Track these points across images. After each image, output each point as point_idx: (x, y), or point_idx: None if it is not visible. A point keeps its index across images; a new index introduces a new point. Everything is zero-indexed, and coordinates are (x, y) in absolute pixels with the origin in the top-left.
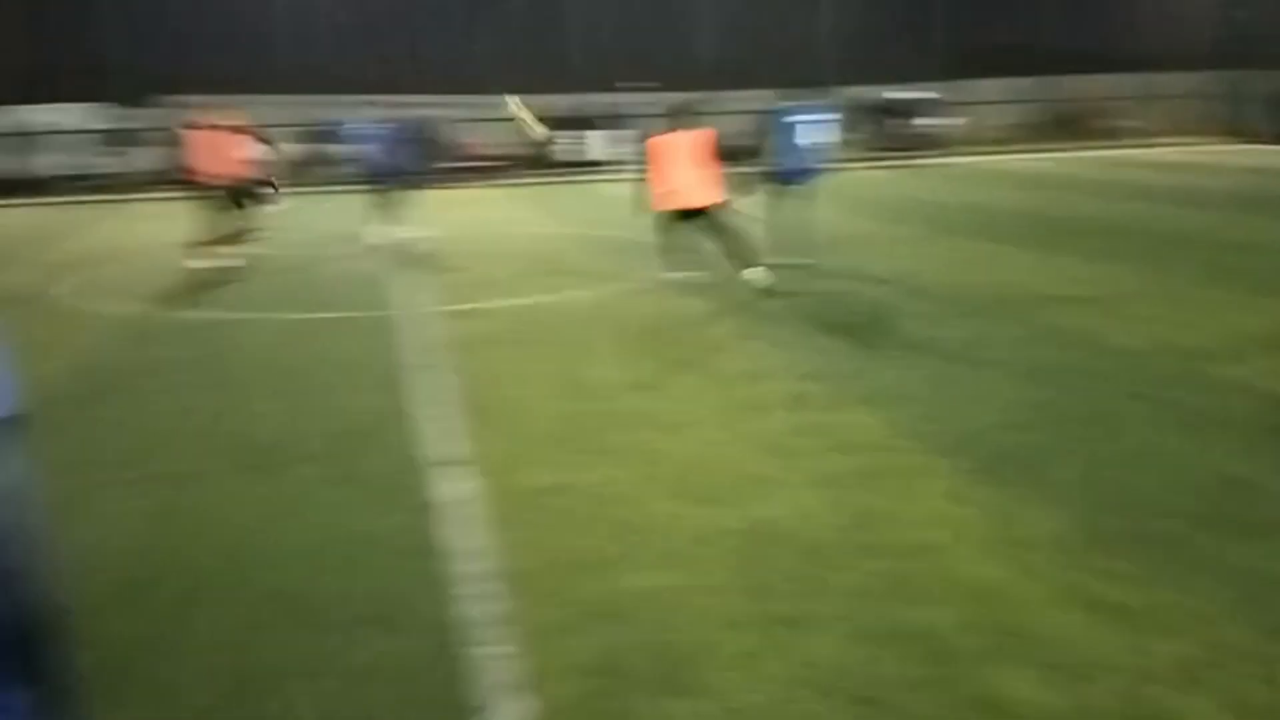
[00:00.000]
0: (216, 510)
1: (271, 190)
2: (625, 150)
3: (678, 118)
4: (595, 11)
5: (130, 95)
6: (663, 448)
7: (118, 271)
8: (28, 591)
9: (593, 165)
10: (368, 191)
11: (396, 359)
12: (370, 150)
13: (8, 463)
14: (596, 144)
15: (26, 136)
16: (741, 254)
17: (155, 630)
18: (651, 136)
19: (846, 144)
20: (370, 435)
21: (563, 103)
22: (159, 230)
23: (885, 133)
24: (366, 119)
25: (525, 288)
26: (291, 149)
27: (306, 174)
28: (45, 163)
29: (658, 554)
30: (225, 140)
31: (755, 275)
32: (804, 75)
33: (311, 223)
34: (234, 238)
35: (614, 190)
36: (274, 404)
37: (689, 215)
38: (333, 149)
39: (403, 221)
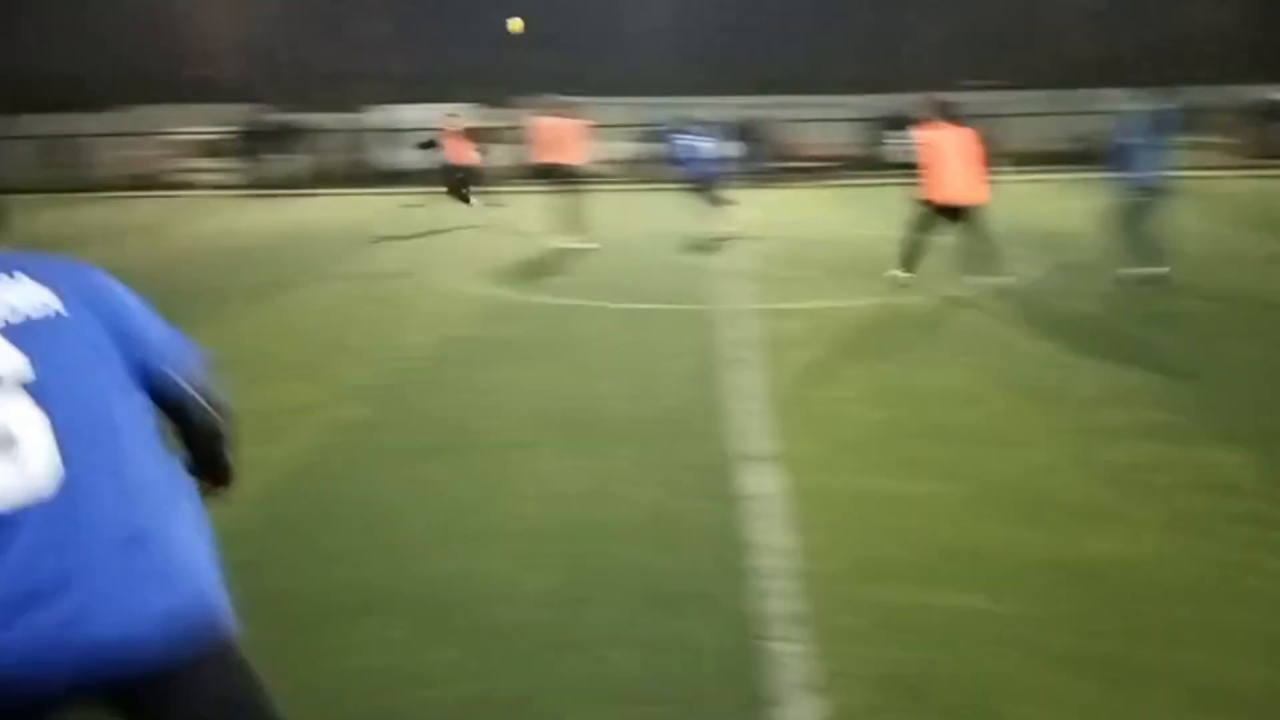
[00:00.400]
0: (543, 479)
1: (591, 180)
2: None
3: (942, 113)
4: (944, 6)
5: (488, 95)
6: (987, 466)
7: (476, 254)
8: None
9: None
10: (693, 190)
11: (714, 353)
12: (693, 151)
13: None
14: None
15: (398, 133)
16: (986, 259)
17: (484, 583)
18: (922, 130)
19: (1221, 149)
20: (685, 424)
21: (897, 102)
22: (515, 218)
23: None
24: (692, 120)
25: (845, 289)
26: (628, 148)
27: (642, 172)
28: (414, 157)
29: (973, 575)
30: (567, 133)
31: (987, 282)
32: (1181, 73)
33: (644, 218)
34: (576, 226)
35: None
36: (600, 386)
37: (951, 213)
38: (663, 148)
39: (727, 220)
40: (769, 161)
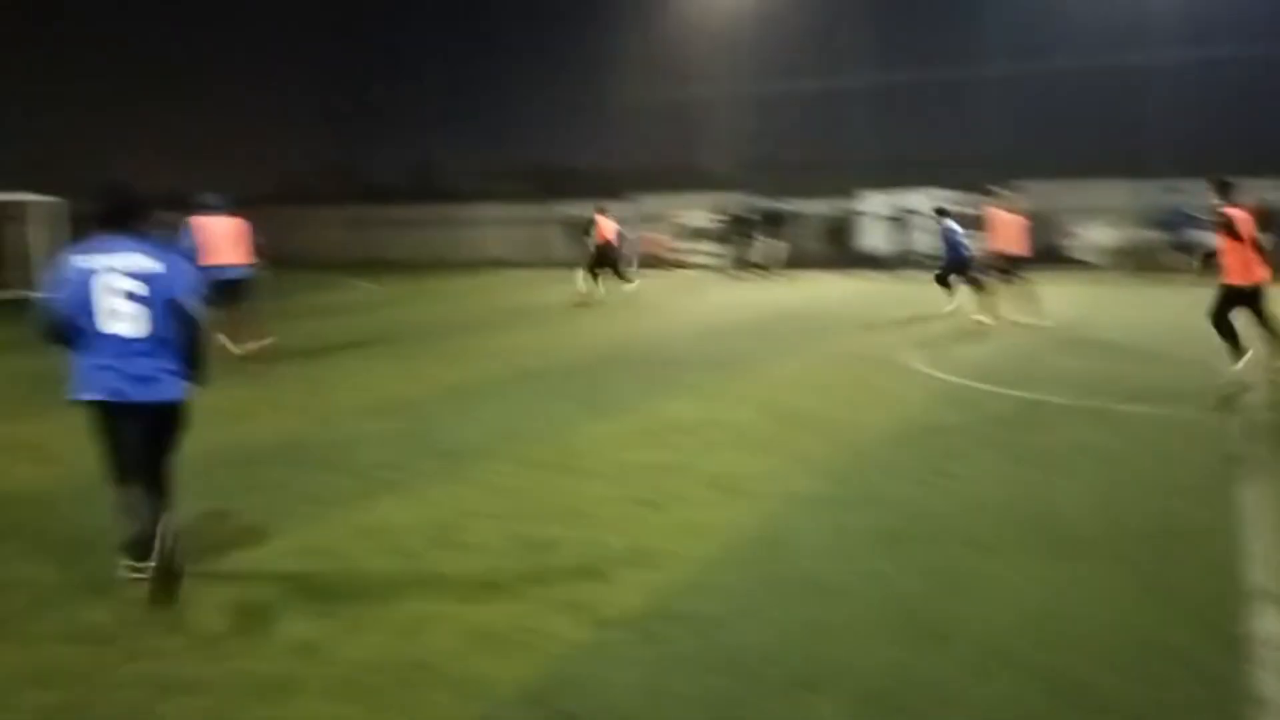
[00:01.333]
0: (1001, 583)
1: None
2: None
3: (1225, 192)
4: None
5: (970, 181)
6: None
7: (936, 338)
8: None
9: None
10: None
11: (1212, 465)
12: (955, 236)
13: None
14: None
15: (874, 218)
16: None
17: (928, 682)
18: (1228, 209)
19: None
20: (1186, 544)
21: None
22: (983, 307)
23: None
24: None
25: None
26: (1120, 234)
27: (1147, 260)
28: (899, 241)
29: None
30: (1016, 225)
31: None
32: None
33: (1130, 309)
34: (1035, 313)
35: None
36: (1068, 489)
37: (1244, 296)
38: (1180, 234)
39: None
40: None
